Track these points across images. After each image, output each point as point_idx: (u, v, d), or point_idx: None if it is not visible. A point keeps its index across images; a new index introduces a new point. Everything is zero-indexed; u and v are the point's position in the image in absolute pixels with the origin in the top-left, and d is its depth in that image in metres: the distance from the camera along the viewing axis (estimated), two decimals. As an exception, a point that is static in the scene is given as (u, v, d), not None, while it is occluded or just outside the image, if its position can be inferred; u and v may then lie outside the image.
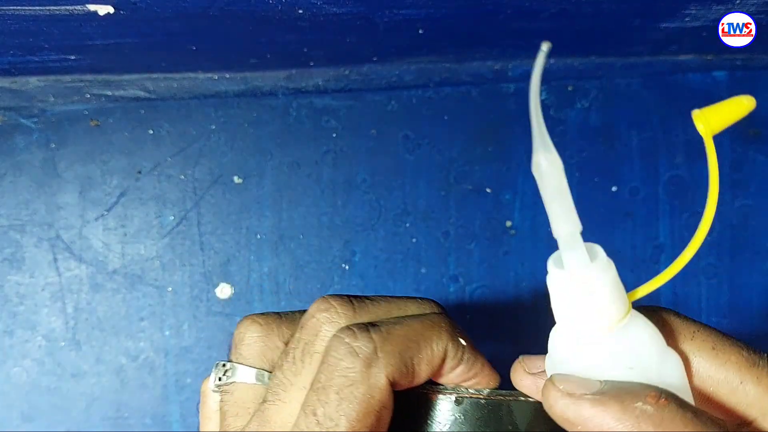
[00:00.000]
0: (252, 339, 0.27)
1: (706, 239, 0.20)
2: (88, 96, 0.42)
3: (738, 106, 0.22)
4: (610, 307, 0.21)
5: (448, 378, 0.26)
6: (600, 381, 0.21)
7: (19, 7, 0.28)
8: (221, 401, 0.26)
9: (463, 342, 0.25)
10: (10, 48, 0.35)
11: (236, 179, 0.44)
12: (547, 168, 0.21)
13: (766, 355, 0.22)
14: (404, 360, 0.23)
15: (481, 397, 0.25)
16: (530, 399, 0.25)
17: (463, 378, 0.25)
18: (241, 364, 0.26)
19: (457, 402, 0.25)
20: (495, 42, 0.41)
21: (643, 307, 0.23)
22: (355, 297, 0.25)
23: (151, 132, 0.43)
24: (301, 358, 0.24)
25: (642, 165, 0.47)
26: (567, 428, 0.21)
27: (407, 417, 0.25)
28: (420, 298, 0.27)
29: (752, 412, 0.21)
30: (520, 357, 0.25)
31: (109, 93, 0.42)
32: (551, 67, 0.46)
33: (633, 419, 0.19)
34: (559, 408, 0.20)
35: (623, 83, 0.46)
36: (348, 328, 0.23)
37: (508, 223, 0.46)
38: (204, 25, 0.32)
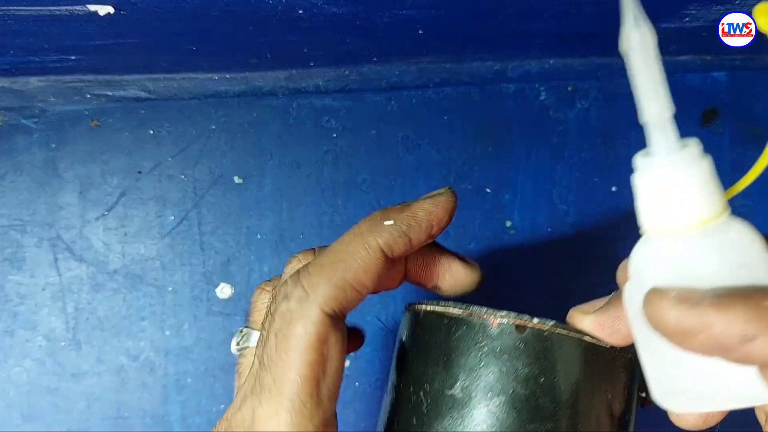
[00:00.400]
0: (262, 305, 0.28)
1: None
2: (89, 96, 0.42)
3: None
4: (705, 199, 0.19)
5: (416, 273, 0.27)
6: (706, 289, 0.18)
7: (19, 8, 0.28)
8: (238, 364, 0.28)
9: (389, 223, 0.25)
10: (10, 48, 0.35)
11: (236, 179, 0.44)
12: (639, 42, 0.19)
13: None
14: (335, 284, 0.23)
15: (545, 328, 0.24)
16: (595, 341, 0.24)
17: (430, 266, 0.26)
18: (253, 329, 0.28)
19: (519, 330, 0.24)
20: (495, 42, 0.41)
21: None
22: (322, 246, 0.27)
23: (151, 132, 0.43)
24: (269, 313, 0.25)
25: (642, 165, 0.47)
26: (680, 342, 0.18)
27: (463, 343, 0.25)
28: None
29: None
30: (572, 308, 0.25)
31: (110, 93, 0.42)
32: (551, 67, 0.46)
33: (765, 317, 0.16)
34: (673, 318, 0.18)
35: (623, 83, 0.46)
36: (288, 277, 0.24)
37: (508, 223, 0.46)
38: (204, 25, 0.32)
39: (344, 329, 0.24)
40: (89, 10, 0.28)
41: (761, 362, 0.17)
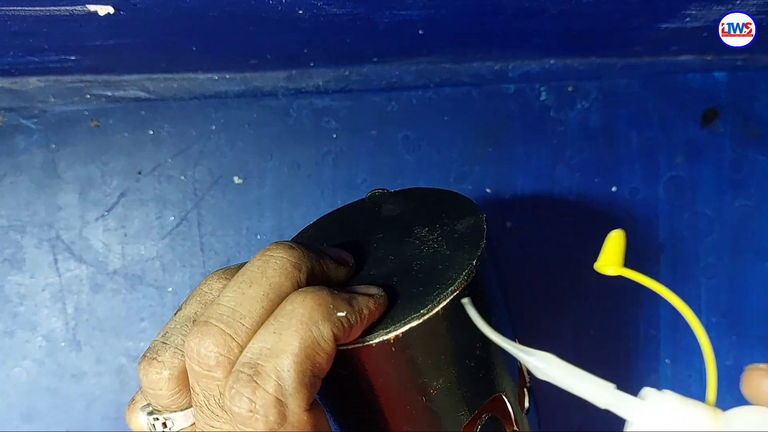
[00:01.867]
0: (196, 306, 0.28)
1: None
2: (89, 96, 0.42)
3: (615, 240, 0.23)
4: (700, 420, 0.21)
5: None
6: None
7: (19, 8, 0.28)
8: None
9: (342, 315, 0.24)
10: (10, 48, 0.35)
11: (236, 180, 0.44)
12: (546, 366, 0.23)
13: None
14: (308, 383, 0.23)
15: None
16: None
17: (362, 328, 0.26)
18: (171, 413, 0.27)
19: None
20: (495, 42, 0.41)
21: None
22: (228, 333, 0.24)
23: (151, 132, 0.43)
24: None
25: (642, 165, 0.47)
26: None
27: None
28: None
29: None
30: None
31: (110, 93, 0.42)
32: (551, 68, 0.46)
33: None
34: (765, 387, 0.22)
35: (623, 83, 0.46)
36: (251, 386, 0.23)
37: (508, 224, 0.46)
38: (204, 25, 0.32)
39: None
40: (89, 11, 0.28)
41: None
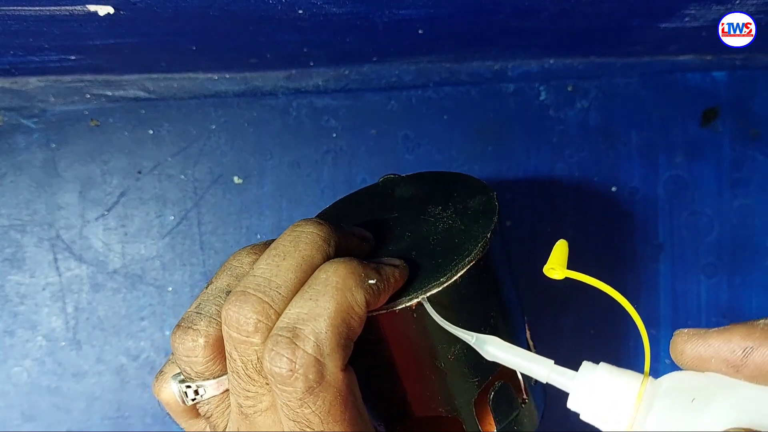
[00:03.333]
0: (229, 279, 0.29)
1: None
2: (89, 96, 0.42)
3: (560, 247, 0.24)
4: (627, 397, 0.22)
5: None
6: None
7: (19, 8, 0.28)
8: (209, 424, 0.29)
9: (371, 281, 0.26)
10: (10, 48, 0.35)
11: (236, 179, 0.44)
12: (493, 349, 0.25)
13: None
14: (344, 345, 0.24)
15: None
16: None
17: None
18: (204, 381, 0.28)
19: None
20: (495, 42, 0.41)
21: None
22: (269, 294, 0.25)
23: (151, 132, 0.43)
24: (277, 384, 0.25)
25: (642, 165, 0.47)
26: (699, 367, 0.22)
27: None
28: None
29: None
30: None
31: (110, 93, 0.42)
32: (551, 67, 0.46)
33: (759, 331, 0.20)
34: (689, 348, 0.22)
35: (623, 83, 0.46)
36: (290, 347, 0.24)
37: (508, 223, 0.46)
38: (204, 25, 0.32)
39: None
40: (89, 11, 0.28)
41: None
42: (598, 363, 0.24)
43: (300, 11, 0.31)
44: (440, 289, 0.27)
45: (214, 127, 0.43)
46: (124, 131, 0.43)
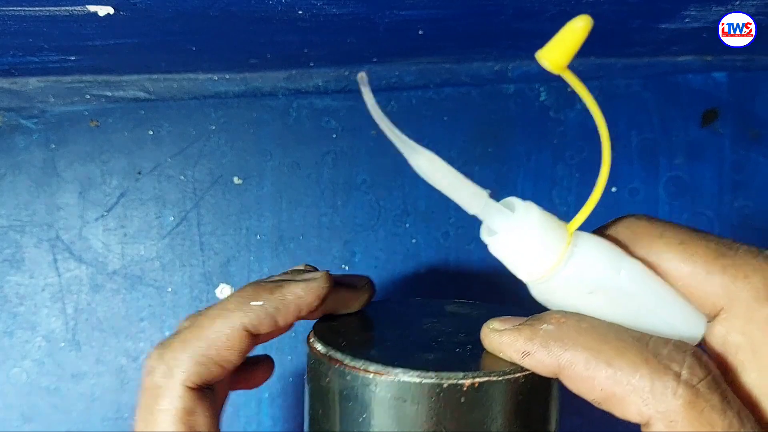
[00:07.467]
0: None
1: None
2: (88, 96, 0.42)
3: (572, 32, 0.21)
4: (548, 245, 0.22)
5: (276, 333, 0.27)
6: (525, 318, 0.23)
7: (19, 8, 0.28)
8: None
9: (257, 303, 0.25)
10: (10, 49, 0.35)
11: (236, 180, 0.44)
12: (428, 164, 0.23)
13: (738, 245, 0.22)
14: (198, 360, 0.25)
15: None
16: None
17: (283, 326, 0.26)
18: None
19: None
20: (495, 42, 0.41)
21: (615, 219, 0.25)
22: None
23: (151, 132, 0.43)
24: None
25: (642, 165, 0.47)
26: (500, 356, 0.23)
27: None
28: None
29: (721, 301, 0.22)
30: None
31: (109, 93, 0.42)
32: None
33: (539, 337, 0.22)
34: (489, 342, 0.24)
35: (623, 84, 0.46)
36: (154, 350, 0.26)
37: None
38: (204, 25, 0.32)
39: (213, 397, 0.26)
40: (89, 11, 0.28)
41: (542, 371, 0.22)
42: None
43: (300, 12, 0.31)
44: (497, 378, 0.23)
45: (213, 127, 0.43)
46: (123, 132, 0.43)
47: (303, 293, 0.26)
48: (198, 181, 0.43)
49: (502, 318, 0.24)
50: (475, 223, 0.49)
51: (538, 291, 0.24)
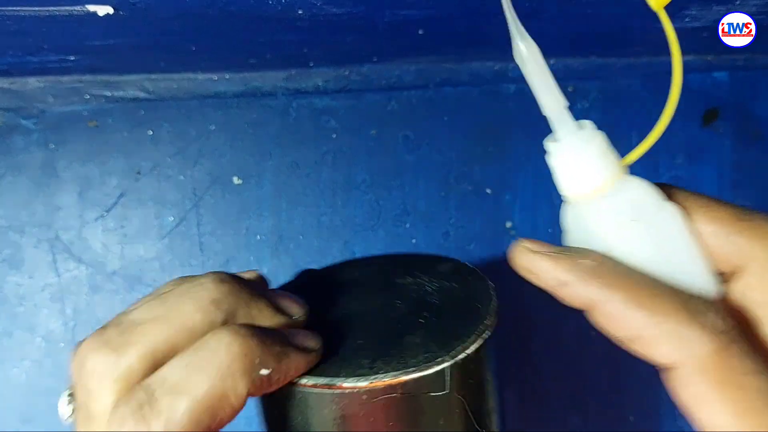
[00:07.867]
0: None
1: None
2: (88, 96, 0.42)
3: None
4: (603, 168, 0.23)
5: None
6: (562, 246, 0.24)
7: (18, 8, 0.28)
8: None
9: (264, 372, 0.23)
10: (9, 48, 0.35)
11: (236, 180, 0.44)
12: (527, 52, 0.23)
13: (756, 212, 0.24)
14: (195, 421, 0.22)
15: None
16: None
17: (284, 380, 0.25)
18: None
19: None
20: (495, 42, 0.40)
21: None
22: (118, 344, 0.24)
23: (150, 132, 0.43)
24: None
25: (642, 165, 0.47)
26: (528, 278, 0.24)
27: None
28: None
29: (740, 260, 0.23)
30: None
31: (109, 93, 0.42)
32: (552, 68, 0.46)
33: (579, 270, 0.22)
34: (521, 260, 0.24)
35: (623, 84, 0.46)
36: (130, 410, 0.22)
37: (508, 224, 0.46)
38: (204, 25, 0.32)
39: None
40: (88, 11, 0.28)
41: (574, 303, 0.23)
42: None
43: (300, 11, 0.31)
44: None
45: (213, 127, 0.43)
46: (123, 132, 0.43)
47: (303, 367, 0.25)
48: (197, 181, 0.43)
49: (534, 240, 0.24)
50: (475, 223, 0.49)
51: (577, 213, 0.24)
